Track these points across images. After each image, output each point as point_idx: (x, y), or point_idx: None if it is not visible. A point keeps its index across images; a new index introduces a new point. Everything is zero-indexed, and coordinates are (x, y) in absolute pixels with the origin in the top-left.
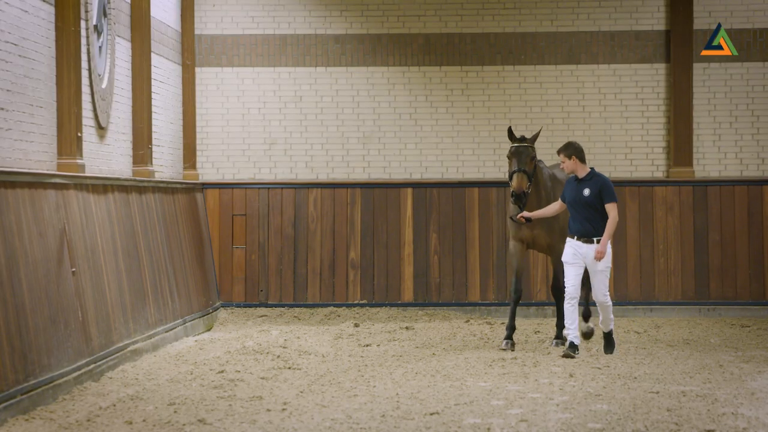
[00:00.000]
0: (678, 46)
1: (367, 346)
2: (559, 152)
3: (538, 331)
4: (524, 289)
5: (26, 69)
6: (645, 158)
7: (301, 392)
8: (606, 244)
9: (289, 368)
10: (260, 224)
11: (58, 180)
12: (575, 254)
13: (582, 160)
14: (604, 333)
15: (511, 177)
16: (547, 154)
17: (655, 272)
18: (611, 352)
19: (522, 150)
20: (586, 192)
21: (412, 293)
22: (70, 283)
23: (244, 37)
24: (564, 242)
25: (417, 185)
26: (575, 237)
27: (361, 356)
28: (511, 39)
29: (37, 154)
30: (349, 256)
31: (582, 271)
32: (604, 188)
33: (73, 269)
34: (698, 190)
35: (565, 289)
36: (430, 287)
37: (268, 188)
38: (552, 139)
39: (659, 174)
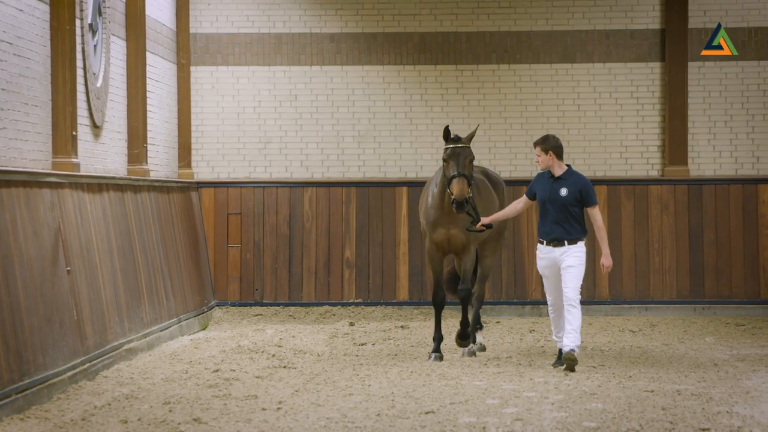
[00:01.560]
0: (673, 44)
1: (363, 345)
2: (535, 145)
3: (533, 330)
4: (518, 288)
5: (21, 68)
6: (640, 157)
7: (297, 391)
8: (609, 256)
9: (285, 367)
10: (255, 223)
11: (53, 179)
12: (547, 265)
13: (559, 156)
14: (564, 352)
15: (449, 182)
16: None
17: (650, 271)
18: (573, 362)
19: (460, 151)
20: (564, 192)
21: (408, 292)
22: (65, 282)
23: (239, 35)
24: (494, 252)
25: (412, 184)
26: (545, 242)
27: (357, 355)
28: (506, 38)
29: (32, 152)
30: (345, 255)
31: (561, 281)
32: (585, 190)
33: (68, 268)
34: (693, 188)
35: (548, 300)
36: (426, 286)
37: (264, 187)
38: None
39: (654, 173)
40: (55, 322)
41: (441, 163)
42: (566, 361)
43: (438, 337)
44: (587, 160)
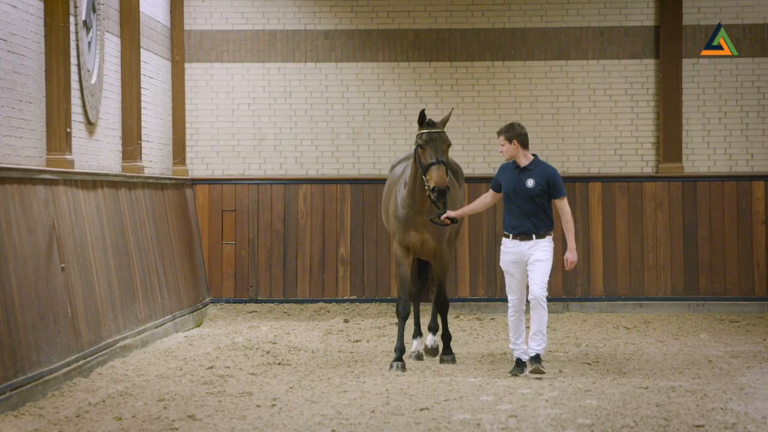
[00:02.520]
0: (667, 41)
1: (357, 341)
2: (498, 134)
3: (528, 327)
4: None
5: (15, 64)
6: (634, 154)
7: (291, 388)
8: (575, 251)
9: (279, 364)
10: (250, 220)
11: (47, 176)
12: (513, 261)
13: (525, 145)
14: (529, 357)
15: (427, 170)
16: (536, 149)
17: (645, 268)
18: (542, 368)
19: (437, 137)
20: (530, 183)
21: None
22: (60, 279)
23: (233, 32)
24: (450, 250)
25: None
26: (511, 236)
27: (351, 352)
28: (500, 35)
29: (26, 149)
30: (339, 252)
31: (526, 280)
32: (552, 180)
33: (63, 265)
34: (687, 185)
35: (509, 300)
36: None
37: (258, 184)
38: (541, 134)
39: (648, 169)
40: (49, 319)
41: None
42: (534, 372)
43: (401, 348)
44: (581, 157)
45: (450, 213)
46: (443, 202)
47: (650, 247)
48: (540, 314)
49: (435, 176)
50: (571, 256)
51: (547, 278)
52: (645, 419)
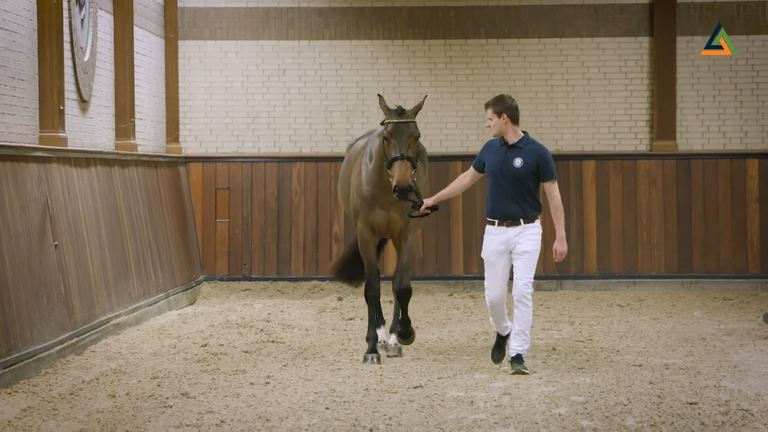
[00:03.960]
0: (661, 19)
1: (351, 319)
2: (486, 106)
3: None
4: None
5: (8, 42)
6: (629, 132)
7: (285, 366)
8: (564, 241)
9: (273, 342)
10: (244, 198)
11: (40, 153)
12: (498, 251)
13: (515, 120)
14: (511, 357)
15: (391, 164)
16: (530, 127)
17: (639, 246)
18: (524, 369)
19: (404, 128)
20: (518, 162)
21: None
22: (53, 257)
23: (226, 9)
24: (414, 233)
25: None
26: (496, 222)
27: (345, 330)
28: (495, 12)
29: (19, 127)
30: (333, 230)
31: (508, 272)
32: (543, 161)
33: (56, 243)
34: (681, 163)
35: (486, 296)
36: (414, 260)
37: (252, 162)
38: (535, 112)
39: (643, 147)
40: (42, 297)
41: (428, 138)
42: (515, 373)
43: (374, 336)
44: (575, 135)
45: (427, 201)
46: (417, 194)
47: (644, 225)
48: (524, 313)
49: (397, 174)
50: (560, 246)
51: (533, 272)
52: (638, 396)
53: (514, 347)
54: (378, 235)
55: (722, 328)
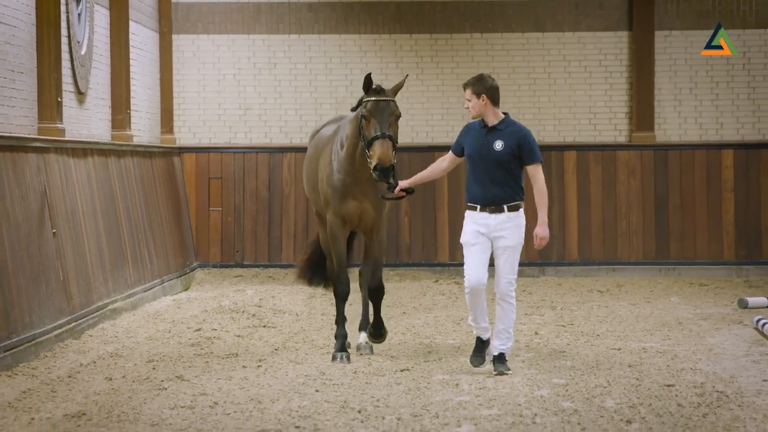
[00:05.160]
0: (640, 14)
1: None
2: (464, 87)
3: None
4: None
5: (7, 36)
6: (608, 123)
7: (276, 350)
8: (546, 226)
9: (264, 326)
10: (236, 187)
11: (38, 144)
12: (478, 232)
13: (495, 101)
14: (493, 356)
15: (370, 144)
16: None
17: (618, 234)
18: (506, 370)
19: (384, 106)
20: (499, 145)
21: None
22: (51, 244)
23: (219, 4)
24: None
25: None
26: (478, 207)
27: (333, 315)
28: (479, 8)
29: (18, 118)
30: None
31: (488, 255)
32: (524, 143)
33: (54, 231)
34: (659, 154)
35: (465, 280)
36: (401, 248)
37: (244, 152)
38: (519, 104)
39: (622, 138)
40: (41, 283)
41: (415, 129)
42: (498, 373)
43: (343, 334)
44: (557, 126)
45: (403, 183)
46: (393, 176)
47: (623, 214)
48: (507, 311)
49: (378, 152)
50: (542, 231)
51: (516, 268)
52: (617, 379)
53: (496, 346)
54: (349, 227)
55: (698, 313)
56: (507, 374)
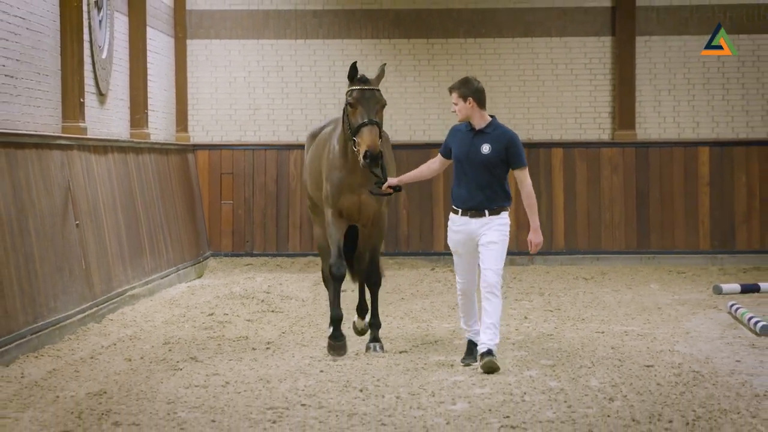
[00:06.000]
0: (622, 21)
1: (343, 291)
2: (451, 90)
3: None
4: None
5: (33, 41)
6: (593, 122)
7: (283, 333)
8: (539, 231)
9: (272, 311)
10: (246, 182)
11: (62, 141)
12: (462, 241)
13: (481, 104)
14: (481, 353)
15: (357, 131)
16: (504, 118)
17: (602, 225)
18: (494, 369)
19: (370, 95)
20: (486, 149)
21: (383, 244)
22: (74, 235)
23: (230, 12)
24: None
25: None
26: (460, 211)
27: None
28: (473, 14)
29: (43, 117)
30: None
31: (476, 258)
32: (512, 147)
33: (77, 222)
34: (640, 151)
35: (457, 284)
36: (400, 239)
37: (253, 149)
38: (509, 105)
39: (605, 136)
40: (65, 271)
41: (412, 128)
42: (486, 368)
43: (338, 316)
44: (545, 125)
45: (392, 180)
46: (381, 169)
47: (606, 207)
48: (493, 304)
49: (367, 139)
50: (535, 237)
51: (503, 263)
52: (601, 360)
53: (484, 341)
54: (347, 221)
55: (676, 298)
56: (497, 369)
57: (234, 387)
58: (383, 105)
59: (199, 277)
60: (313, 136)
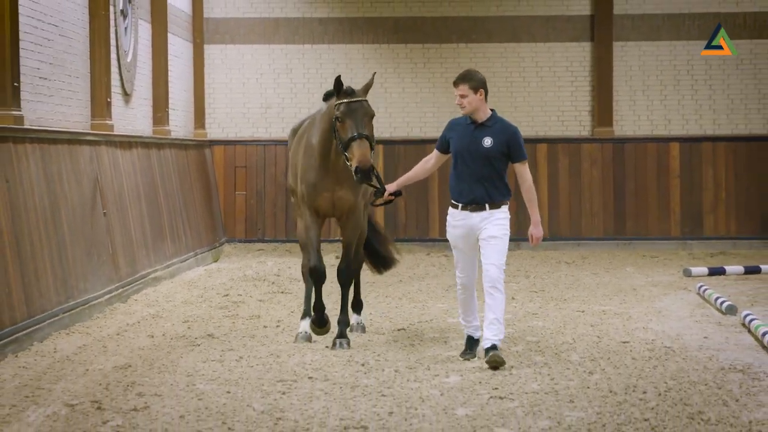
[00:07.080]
0: (601, 28)
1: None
2: (456, 83)
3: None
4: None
5: (65, 46)
6: (574, 120)
7: (292, 312)
8: (539, 225)
9: (282, 293)
10: (258, 174)
11: (91, 138)
12: (464, 235)
13: (487, 96)
14: (485, 348)
15: (348, 145)
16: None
17: (582, 214)
18: (500, 363)
19: (358, 107)
20: (488, 142)
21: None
22: (102, 223)
23: (244, 19)
24: (365, 213)
25: (387, 142)
26: (460, 205)
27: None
28: (464, 22)
29: (74, 116)
30: None
31: (476, 252)
32: (514, 140)
33: (104, 211)
34: (617, 146)
35: (457, 278)
36: (398, 226)
37: (264, 145)
38: (498, 105)
39: (585, 133)
40: (93, 255)
41: (410, 125)
42: (491, 363)
43: (320, 306)
44: (531, 123)
45: (390, 187)
46: (378, 179)
47: (586, 197)
48: (497, 300)
49: (357, 154)
50: (536, 231)
51: (505, 257)
52: (581, 337)
53: (488, 337)
54: (324, 218)
55: (649, 280)
56: (502, 364)
57: (247, 361)
58: (372, 116)
59: (215, 261)
60: (294, 131)
